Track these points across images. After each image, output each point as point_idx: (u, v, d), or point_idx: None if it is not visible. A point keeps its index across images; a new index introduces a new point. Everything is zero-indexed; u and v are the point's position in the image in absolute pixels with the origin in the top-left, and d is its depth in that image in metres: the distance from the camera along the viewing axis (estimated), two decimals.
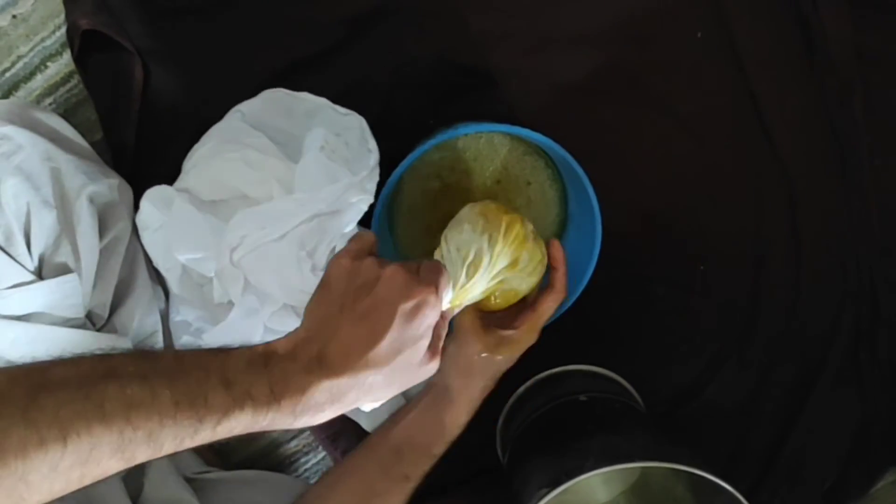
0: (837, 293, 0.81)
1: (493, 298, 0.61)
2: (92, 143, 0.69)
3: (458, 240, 0.57)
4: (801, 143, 0.78)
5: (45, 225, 0.59)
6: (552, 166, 0.73)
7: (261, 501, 0.70)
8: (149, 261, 0.69)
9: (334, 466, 0.69)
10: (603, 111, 0.77)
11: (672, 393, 0.82)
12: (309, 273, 0.60)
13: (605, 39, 0.76)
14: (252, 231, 0.59)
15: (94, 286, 0.62)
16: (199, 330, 0.68)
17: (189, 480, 0.69)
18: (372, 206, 0.64)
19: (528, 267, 0.60)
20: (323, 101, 0.67)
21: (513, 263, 0.58)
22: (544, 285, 0.63)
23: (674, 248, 0.80)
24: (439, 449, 0.63)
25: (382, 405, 0.66)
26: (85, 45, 0.71)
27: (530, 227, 0.60)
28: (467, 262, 0.55)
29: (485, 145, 0.72)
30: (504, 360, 0.63)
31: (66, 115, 0.74)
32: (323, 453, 0.86)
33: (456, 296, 0.55)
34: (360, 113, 0.66)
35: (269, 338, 0.56)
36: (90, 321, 0.64)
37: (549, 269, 0.63)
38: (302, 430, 0.86)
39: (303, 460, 0.87)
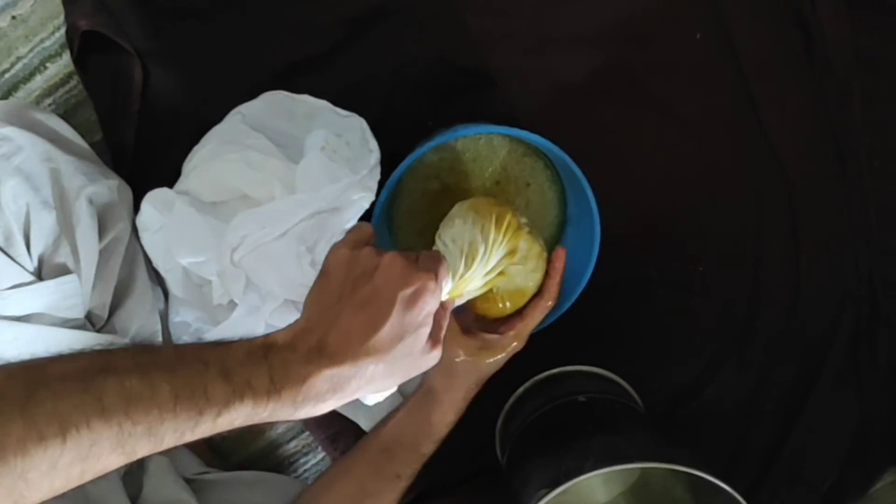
0: (837, 293, 0.81)
1: (500, 302, 0.61)
2: (91, 144, 0.70)
3: (451, 233, 0.57)
4: (800, 144, 0.78)
5: (44, 226, 0.59)
6: (551, 167, 0.73)
7: (260, 502, 0.70)
8: (148, 261, 0.69)
9: (329, 467, 0.70)
10: (602, 112, 0.77)
11: (672, 393, 0.82)
12: (308, 267, 0.60)
13: (604, 40, 0.76)
14: (252, 231, 0.59)
15: (94, 287, 0.62)
16: (199, 331, 0.69)
17: (188, 481, 0.69)
18: (371, 207, 0.64)
19: (530, 260, 0.59)
20: (323, 103, 0.67)
21: (510, 253, 0.58)
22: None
23: (673, 249, 0.80)
24: (428, 448, 0.64)
25: (382, 405, 0.66)
26: (84, 46, 0.71)
27: (524, 220, 0.60)
28: (464, 252, 0.55)
29: (484, 146, 0.72)
30: (487, 364, 0.62)
31: (66, 115, 0.74)
32: (322, 454, 0.86)
33: (455, 286, 0.55)
34: (360, 114, 0.66)
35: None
36: (90, 322, 0.64)
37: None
38: (301, 431, 0.86)
39: (302, 461, 0.87)
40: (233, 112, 0.68)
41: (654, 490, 0.73)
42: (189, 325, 0.69)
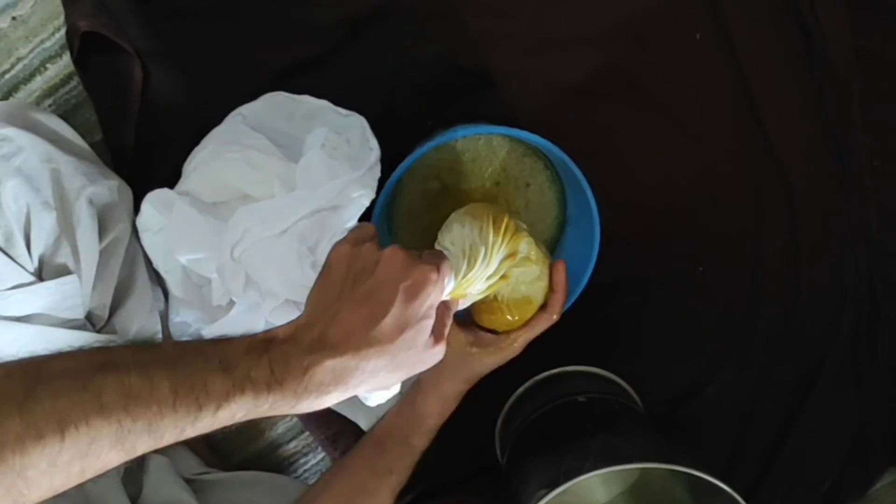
0: (837, 294, 0.81)
1: (507, 313, 0.61)
2: (91, 145, 0.70)
3: (450, 237, 0.57)
4: (800, 144, 0.78)
5: (44, 226, 0.59)
6: (551, 168, 0.73)
7: (260, 502, 0.71)
8: (148, 262, 0.69)
9: (329, 468, 0.70)
10: (602, 112, 0.77)
11: (671, 393, 0.82)
12: (310, 269, 0.60)
13: (604, 40, 0.76)
14: (253, 226, 0.59)
15: (94, 287, 0.62)
16: (199, 331, 0.69)
17: (188, 481, 0.69)
18: (371, 207, 0.64)
19: (533, 265, 0.59)
20: (324, 103, 0.67)
21: (511, 255, 0.58)
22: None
23: (673, 249, 0.80)
24: (418, 440, 0.64)
25: (383, 406, 0.66)
26: (84, 46, 0.71)
27: (522, 224, 0.60)
28: (466, 254, 0.55)
29: (484, 147, 0.72)
30: (479, 363, 0.62)
31: (66, 116, 0.74)
32: (322, 454, 0.87)
33: (458, 285, 0.54)
34: (360, 114, 0.66)
35: None
36: (90, 322, 0.64)
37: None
38: (301, 431, 0.86)
39: (302, 461, 0.87)
40: (233, 113, 0.68)
41: (653, 490, 0.73)
42: (189, 325, 0.69)
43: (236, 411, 0.40)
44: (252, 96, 0.70)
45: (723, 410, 0.82)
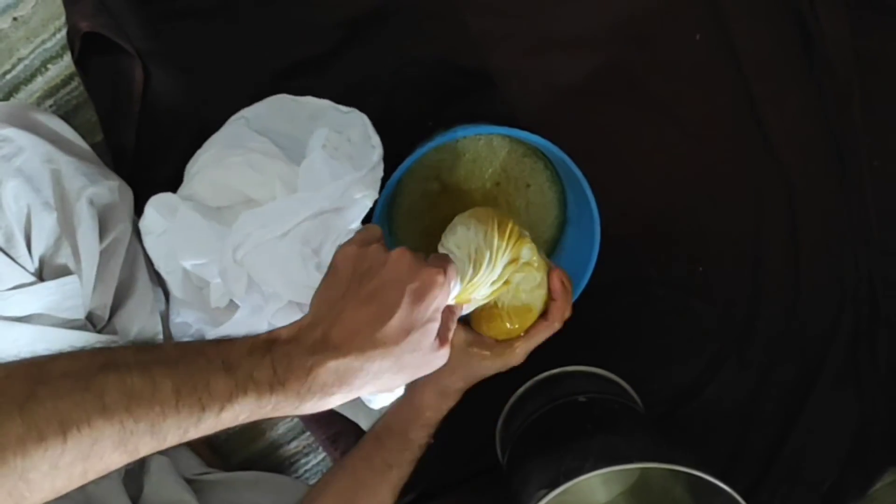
0: (837, 293, 0.81)
1: (508, 321, 0.60)
2: (92, 145, 0.70)
3: (455, 240, 0.57)
4: (800, 144, 0.78)
5: (45, 227, 0.59)
6: (551, 168, 0.73)
7: (261, 502, 0.71)
8: (149, 263, 0.69)
9: (331, 467, 0.70)
10: (602, 112, 0.77)
11: (672, 393, 0.82)
12: (314, 270, 0.59)
13: (604, 41, 0.76)
14: (254, 230, 0.59)
15: (95, 288, 0.62)
16: (200, 331, 0.69)
17: (189, 481, 0.69)
18: (372, 208, 0.64)
19: (533, 272, 0.59)
20: (325, 102, 0.67)
21: (514, 260, 0.58)
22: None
23: (673, 249, 0.80)
24: (416, 434, 0.63)
25: (383, 408, 0.66)
26: (85, 47, 0.71)
27: (525, 231, 0.60)
28: (471, 258, 0.55)
29: (484, 147, 0.72)
30: (477, 365, 0.62)
31: (67, 117, 0.74)
32: (323, 454, 0.87)
33: (464, 290, 0.54)
34: None
35: None
36: (90, 323, 0.64)
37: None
38: (302, 431, 0.86)
39: (303, 461, 0.88)
40: (236, 116, 0.68)
41: (653, 490, 0.73)
42: (190, 325, 0.69)
43: (239, 412, 0.40)
44: (252, 97, 0.70)
45: (723, 410, 0.82)
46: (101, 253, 0.63)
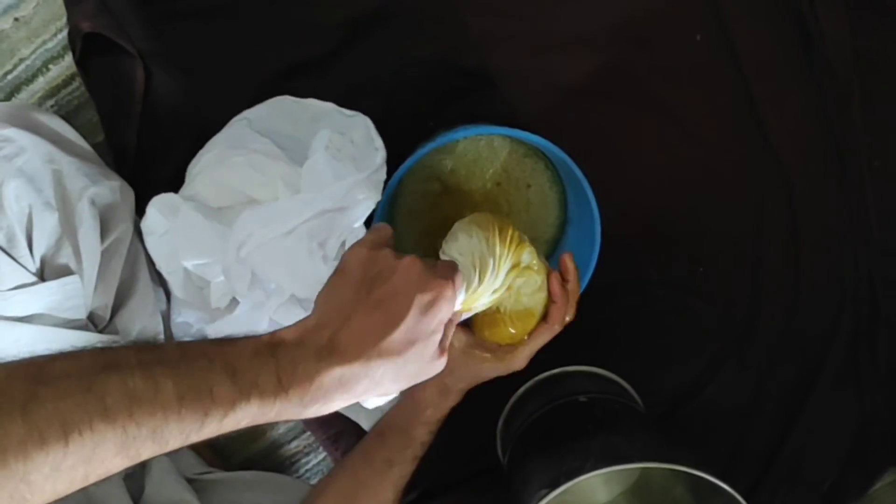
0: (837, 294, 0.81)
1: (510, 325, 0.60)
2: (93, 146, 0.70)
3: (457, 247, 0.57)
4: (800, 145, 0.79)
5: (46, 227, 0.59)
6: (552, 168, 0.73)
7: (262, 502, 0.71)
8: (150, 262, 0.69)
9: (334, 466, 0.70)
10: (603, 113, 0.77)
11: (672, 393, 0.83)
12: (320, 262, 0.59)
13: (604, 41, 0.76)
14: (257, 229, 0.59)
15: (96, 288, 0.62)
16: (201, 331, 0.69)
17: (190, 481, 0.69)
18: (373, 208, 0.64)
19: (534, 276, 0.59)
20: (329, 105, 0.67)
21: (515, 266, 0.58)
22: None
23: (673, 249, 0.81)
24: (416, 431, 0.63)
25: (384, 408, 0.66)
26: (87, 47, 0.71)
27: (524, 235, 0.60)
28: (475, 267, 0.55)
29: (485, 148, 0.72)
30: (479, 367, 0.62)
31: (68, 117, 0.74)
32: (324, 454, 0.87)
33: (468, 297, 0.54)
34: (361, 114, 0.67)
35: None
36: (92, 323, 0.64)
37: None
38: (303, 431, 0.86)
39: (303, 461, 0.88)
40: (238, 117, 0.68)
41: (654, 490, 0.73)
42: (191, 325, 0.69)
43: (242, 418, 0.40)
44: (254, 97, 0.70)
45: (723, 410, 0.82)
46: (103, 253, 0.63)
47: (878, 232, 0.80)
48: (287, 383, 0.41)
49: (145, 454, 0.37)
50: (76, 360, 0.37)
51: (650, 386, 0.79)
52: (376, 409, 0.60)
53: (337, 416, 0.78)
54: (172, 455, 0.70)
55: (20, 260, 0.59)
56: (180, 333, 0.70)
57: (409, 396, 0.64)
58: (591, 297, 0.68)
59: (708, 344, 0.82)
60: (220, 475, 0.74)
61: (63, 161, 0.62)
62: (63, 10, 0.73)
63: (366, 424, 0.76)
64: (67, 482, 0.35)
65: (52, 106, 0.76)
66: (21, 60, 0.75)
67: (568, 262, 0.61)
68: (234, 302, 0.65)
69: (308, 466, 0.88)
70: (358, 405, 0.73)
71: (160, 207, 0.65)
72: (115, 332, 0.66)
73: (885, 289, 0.81)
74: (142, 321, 0.67)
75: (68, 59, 0.75)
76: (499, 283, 0.56)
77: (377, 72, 0.74)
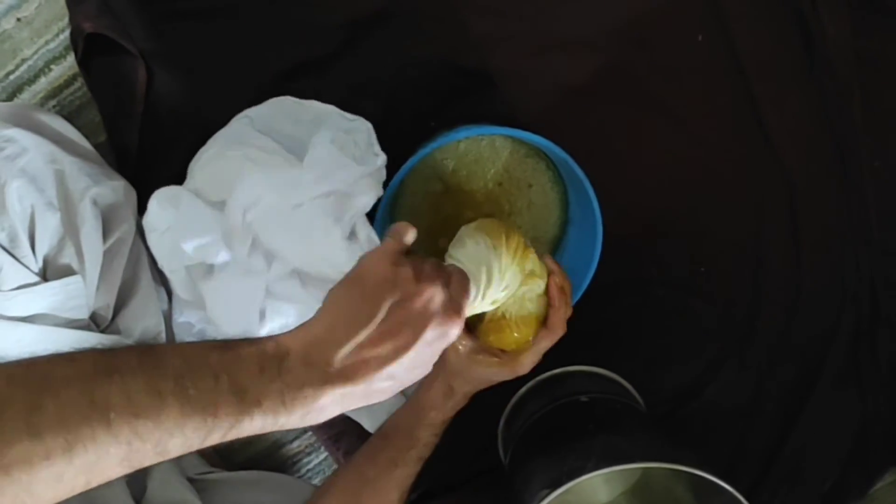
0: (837, 294, 0.81)
1: (515, 331, 0.60)
2: (95, 146, 0.70)
3: (465, 254, 0.57)
4: (800, 145, 0.79)
5: (49, 227, 0.59)
6: (553, 168, 0.73)
7: (263, 502, 0.71)
8: (152, 262, 0.69)
9: (338, 466, 0.70)
10: (603, 113, 0.78)
11: (672, 393, 0.83)
12: (340, 240, 0.57)
13: (605, 42, 0.76)
14: (267, 193, 0.58)
15: (98, 288, 0.62)
16: (202, 331, 0.69)
17: (192, 481, 0.69)
18: (374, 208, 0.64)
19: (537, 281, 0.59)
20: (330, 108, 0.67)
21: (521, 272, 0.58)
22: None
23: (674, 250, 0.81)
24: (420, 432, 0.63)
25: (385, 408, 0.66)
26: (89, 48, 0.71)
27: (528, 241, 0.60)
28: (482, 276, 0.55)
29: (486, 148, 0.72)
30: (483, 371, 0.62)
31: (70, 117, 0.74)
32: (325, 454, 0.87)
33: (469, 308, 0.55)
34: (363, 115, 0.67)
35: (270, 303, 0.55)
36: (94, 323, 0.64)
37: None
38: (304, 431, 0.86)
39: (305, 461, 0.88)
40: (240, 115, 0.68)
41: (655, 490, 0.73)
42: (192, 325, 0.69)
43: (243, 432, 0.40)
44: (255, 97, 0.70)
45: (723, 410, 0.82)
46: (105, 253, 0.63)
47: (879, 232, 0.80)
48: (291, 405, 0.41)
49: (147, 462, 0.38)
50: (76, 365, 0.37)
51: (651, 386, 0.79)
52: (378, 409, 0.60)
53: (338, 417, 0.78)
54: None
55: (23, 260, 0.59)
56: (182, 333, 0.70)
57: (415, 399, 0.65)
58: (592, 296, 0.68)
59: (708, 344, 0.82)
60: (221, 475, 0.74)
61: (65, 161, 0.62)
62: (65, 11, 0.73)
63: (367, 424, 0.76)
64: (69, 489, 0.36)
65: (54, 106, 0.76)
66: (23, 60, 0.75)
67: (550, 263, 0.61)
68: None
69: (309, 466, 0.88)
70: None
71: (161, 200, 0.64)
72: (117, 332, 0.66)
73: (885, 289, 0.81)
74: (144, 321, 0.67)
75: (70, 59, 0.75)
76: (502, 293, 0.56)
77: (378, 72, 0.74)
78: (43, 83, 0.76)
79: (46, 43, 0.75)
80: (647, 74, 0.77)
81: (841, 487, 0.83)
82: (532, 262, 0.59)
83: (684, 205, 0.80)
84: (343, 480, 0.64)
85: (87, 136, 0.69)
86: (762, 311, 0.81)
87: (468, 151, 0.72)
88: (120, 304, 0.66)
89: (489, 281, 0.55)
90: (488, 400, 0.66)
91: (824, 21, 0.75)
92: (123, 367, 0.38)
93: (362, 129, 0.65)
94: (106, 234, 0.64)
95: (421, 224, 0.73)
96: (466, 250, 0.57)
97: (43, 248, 0.60)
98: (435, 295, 0.46)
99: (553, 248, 0.75)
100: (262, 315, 0.62)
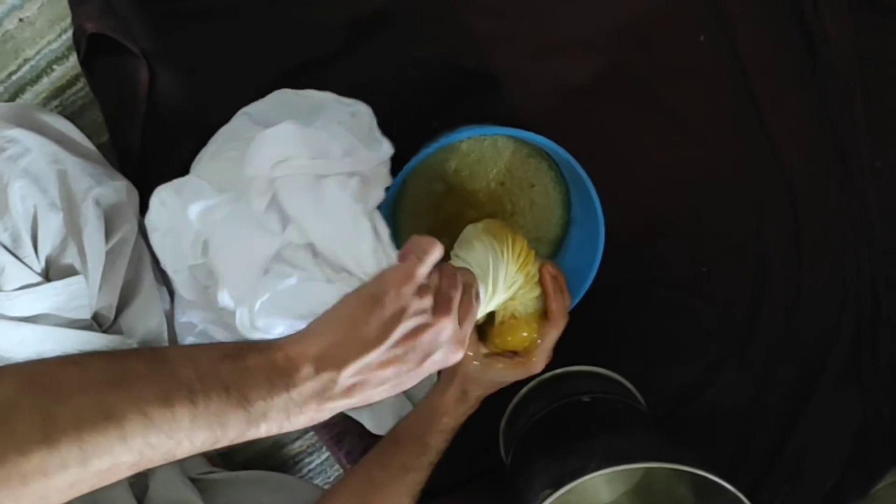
0: (838, 294, 0.81)
1: (524, 330, 0.61)
2: (98, 146, 0.70)
3: (471, 257, 0.57)
4: (801, 145, 0.79)
5: (51, 227, 0.60)
6: (555, 169, 0.73)
7: (265, 502, 0.71)
8: (155, 262, 0.69)
9: (348, 469, 0.70)
10: (605, 113, 0.78)
11: (674, 393, 0.83)
12: (368, 232, 0.53)
13: (607, 42, 0.76)
14: (297, 153, 0.55)
15: (101, 288, 0.62)
16: (205, 331, 0.69)
17: (194, 481, 0.69)
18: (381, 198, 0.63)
19: (536, 278, 0.60)
20: (328, 94, 0.67)
21: (524, 273, 0.59)
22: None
23: (675, 250, 0.81)
24: (432, 438, 0.64)
25: (386, 408, 0.66)
26: (91, 48, 0.71)
27: (529, 244, 0.61)
28: (488, 281, 0.56)
29: (488, 148, 0.72)
30: (497, 373, 0.63)
31: (73, 117, 0.74)
32: (326, 453, 0.87)
33: None
34: None
35: (277, 266, 0.53)
36: (96, 323, 0.64)
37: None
38: (306, 431, 0.86)
39: (307, 460, 0.88)
40: (240, 112, 0.68)
41: (657, 490, 0.73)
42: (195, 325, 0.69)
43: (246, 439, 0.42)
44: (256, 97, 0.69)
45: (725, 410, 0.82)
46: (107, 253, 0.63)
47: (880, 232, 0.80)
48: (295, 417, 0.43)
49: (154, 465, 0.39)
50: (86, 372, 0.38)
51: (652, 386, 0.79)
52: (379, 409, 0.60)
53: (340, 417, 0.79)
54: None
55: (25, 260, 0.59)
56: (184, 333, 0.70)
57: (427, 405, 0.65)
58: (593, 296, 0.68)
59: (710, 344, 0.82)
60: (223, 475, 0.74)
61: (68, 161, 0.62)
62: (68, 11, 0.73)
63: (369, 424, 0.76)
64: (78, 492, 0.37)
65: (56, 106, 0.76)
66: (26, 61, 0.75)
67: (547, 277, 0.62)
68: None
69: (311, 466, 0.88)
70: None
71: (163, 198, 0.64)
72: (120, 332, 0.66)
73: (886, 289, 0.81)
74: (146, 321, 0.67)
75: (73, 59, 0.75)
76: (504, 298, 0.57)
77: (378, 72, 0.74)
78: (45, 83, 0.76)
79: (49, 43, 0.75)
80: (648, 75, 0.77)
81: (842, 487, 0.83)
82: (534, 266, 0.60)
83: (685, 205, 0.80)
84: (352, 485, 0.64)
85: (89, 137, 0.69)
86: (763, 311, 0.81)
87: (470, 151, 0.72)
88: (122, 305, 0.67)
89: (496, 284, 0.56)
90: (490, 400, 0.66)
91: (825, 21, 0.75)
92: (133, 376, 0.38)
93: (363, 111, 0.64)
94: (108, 235, 0.64)
95: (423, 224, 0.73)
96: (475, 254, 0.58)
97: (45, 248, 0.60)
98: (449, 326, 0.47)
99: (555, 249, 0.75)
100: (266, 271, 0.58)
